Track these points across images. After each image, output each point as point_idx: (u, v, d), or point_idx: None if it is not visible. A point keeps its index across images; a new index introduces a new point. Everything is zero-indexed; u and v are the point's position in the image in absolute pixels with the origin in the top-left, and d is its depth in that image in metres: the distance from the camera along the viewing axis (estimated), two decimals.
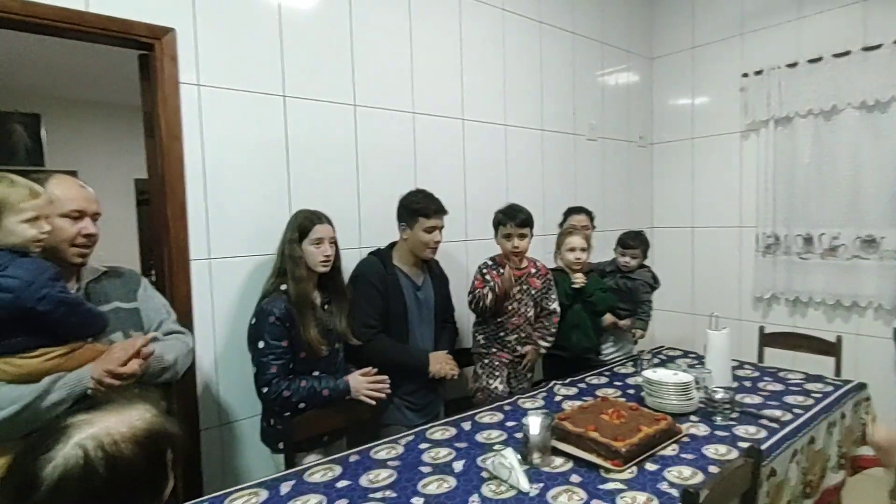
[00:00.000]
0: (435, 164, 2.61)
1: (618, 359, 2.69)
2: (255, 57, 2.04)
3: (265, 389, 1.76)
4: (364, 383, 1.88)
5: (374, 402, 1.89)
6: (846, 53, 2.91)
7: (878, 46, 2.81)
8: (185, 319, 1.87)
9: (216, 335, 1.97)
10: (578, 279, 2.47)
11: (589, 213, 2.87)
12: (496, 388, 2.25)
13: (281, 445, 1.85)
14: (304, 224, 1.87)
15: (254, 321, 1.80)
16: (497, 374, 2.29)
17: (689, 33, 3.63)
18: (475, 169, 2.79)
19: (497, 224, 2.30)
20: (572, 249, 2.49)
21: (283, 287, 1.83)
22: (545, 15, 3.10)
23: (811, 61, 3.04)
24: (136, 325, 1.52)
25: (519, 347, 2.32)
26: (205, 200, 1.94)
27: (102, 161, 5.45)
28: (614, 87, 3.59)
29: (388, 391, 1.94)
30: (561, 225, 2.84)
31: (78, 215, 1.41)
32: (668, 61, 3.76)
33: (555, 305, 2.40)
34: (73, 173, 5.56)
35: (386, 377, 1.94)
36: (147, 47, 1.81)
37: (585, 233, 2.58)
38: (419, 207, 2.10)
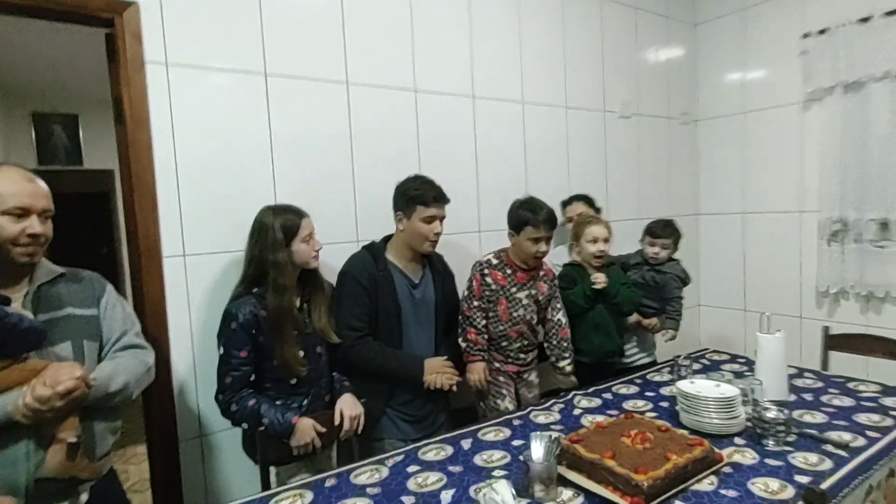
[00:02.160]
0: (442, 148, 2.36)
1: (638, 361, 2.41)
2: (230, 31, 1.85)
3: (220, 397, 1.65)
4: (310, 433, 1.64)
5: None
6: None
7: None
8: (159, 322, 1.73)
9: (193, 337, 1.82)
10: (599, 280, 2.16)
11: (588, 200, 2.57)
12: (506, 408, 2.00)
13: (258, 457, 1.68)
14: (288, 223, 1.68)
15: (221, 324, 1.65)
16: (504, 391, 2.04)
17: None
18: (489, 153, 2.51)
19: (522, 223, 2.00)
20: (594, 240, 2.19)
21: (255, 290, 1.66)
22: None
23: (889, 14, 2.60)
24: (93, 333, 1.38)
25: (522, 355, 2.07)
26: (177, 191, 1.77)
27: None
28: (651, 58, 3.22)
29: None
30: (563, 220, 2.56)
31: (21, 212, 1.27)
32: (715, 26, 3.35)
33: (560, 315, 2.14)
34: (109, 173, 5.69)
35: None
36: (107, 24, 1.66)
37: (607, 222, 2.27)
38: (417, 194, 1.86)
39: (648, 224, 2.47)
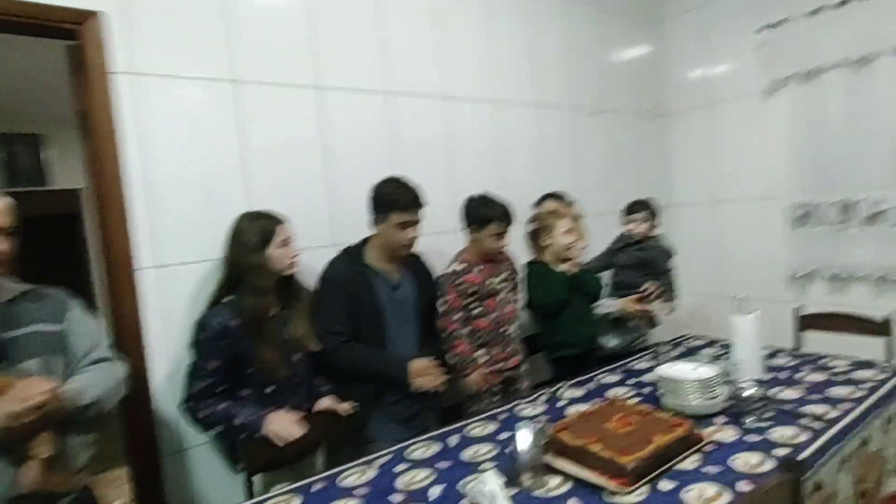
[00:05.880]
0: (415, 150, 2.37)
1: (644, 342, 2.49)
2: (196, 38, 1.84)
3: (184, 405, 1.64)
4: (283, 420, 1.61)
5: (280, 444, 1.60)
6: None
7: None
8: (134, 337, 1.70)
9: (171, 350, 1.78)
10: (569, 266, 2.24)
11: (559, 197, 2.55)
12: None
13: (240, 467, 1.66)
14: (266, 227, 1.68)
15: (193, 333, 1.64)
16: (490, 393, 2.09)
17: None
18: (463, 153, 2.54)
19: (484, 221, 2.06)
20: (570, 231, 2.21)
21: (226, 299, 1.65)
22: None
23: (837, 6, 2.71)
24: (59, 349, 1.35)
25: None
26: (148, 202, 1.74)
27: None
28: (617, 55, 3.29)
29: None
30: (532, 219, 2.56)
31: None
32: (678, 23, 3.45)
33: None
34: (75, 192, 5.51)
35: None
36: (69, 35, 1.63)
37: (573, 212, 2.31)
38: (392, 200, 1.85)
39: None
